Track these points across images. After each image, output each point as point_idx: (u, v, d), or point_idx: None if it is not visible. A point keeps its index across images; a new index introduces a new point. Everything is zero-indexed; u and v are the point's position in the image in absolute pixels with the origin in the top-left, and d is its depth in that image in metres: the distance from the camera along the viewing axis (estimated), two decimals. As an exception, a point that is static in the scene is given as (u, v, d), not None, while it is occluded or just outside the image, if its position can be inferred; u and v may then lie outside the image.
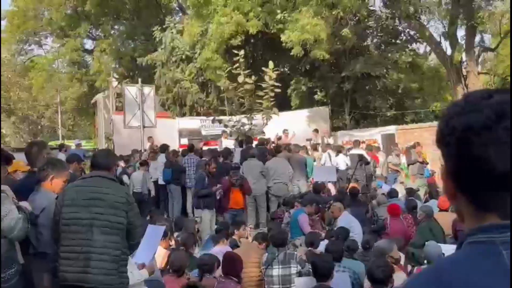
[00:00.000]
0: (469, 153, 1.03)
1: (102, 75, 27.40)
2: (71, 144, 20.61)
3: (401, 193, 11.36)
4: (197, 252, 7.22)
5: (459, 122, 1.05)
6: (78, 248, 3.81)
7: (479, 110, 1.04)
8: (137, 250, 5.10)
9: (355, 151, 14.64)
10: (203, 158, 12.39)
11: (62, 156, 12.12)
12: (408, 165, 14.95)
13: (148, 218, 10.91)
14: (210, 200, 10.14)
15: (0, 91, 31.86)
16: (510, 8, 15.97)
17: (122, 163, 13.63)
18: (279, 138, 16.54)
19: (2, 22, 31.78)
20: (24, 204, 4.06)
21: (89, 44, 34.09)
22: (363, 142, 17.27)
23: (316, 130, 18.01)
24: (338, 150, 15.20)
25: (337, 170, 13.84)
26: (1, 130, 41.68)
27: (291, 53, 18.23)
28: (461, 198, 1.09)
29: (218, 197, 10.15)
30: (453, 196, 1.11)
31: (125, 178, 12.39)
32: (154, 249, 5.10)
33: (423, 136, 17.97)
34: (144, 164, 12.81)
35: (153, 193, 12.91)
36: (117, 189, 4.08)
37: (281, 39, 19.06)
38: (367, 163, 12.87)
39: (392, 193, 10.66)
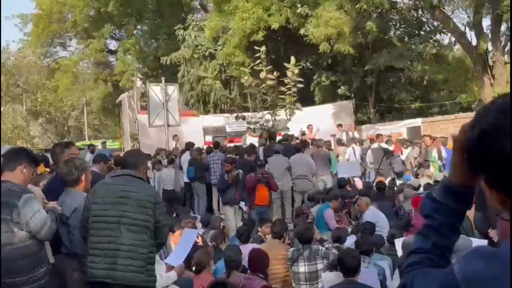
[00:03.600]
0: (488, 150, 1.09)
1: (126, 75, 27.65)
2: (98, 143, 20.93)
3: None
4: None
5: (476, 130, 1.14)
6: (106, 245, 3.86)
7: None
8: (172, 253, 5.17)
9: (375, 145, 14.60)
10: (228, 155, 12.45)
11: (89, 156, 12.33)
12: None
13: (174, 215, 11.03)
14: (230, 196, 10.17)
15: (0, 84, 32.57)
16: (510, 8, 15.64)
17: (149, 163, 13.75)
18: (303, 134, 16.51)
19: (28, 25, 32.40)
20: (53, 204, 4.14)
21: (112, 44, 34.46)
22: (390, 136, 17.13)
23: (340, 125, 17.93)
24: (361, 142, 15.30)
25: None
26: (29, 132, 42.48)
27: (319, 50, 18.20)
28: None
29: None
30: (504, 204, 1.14)
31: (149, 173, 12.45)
32: (186, 252, 5.15)
33: (449, 128, 17.74)
34: (172, 161, 12.89)
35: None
36: (145, 188, 4.15)
37: (301, 33, 19.02)
38: (392, 154, 12.80)
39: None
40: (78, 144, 22.11)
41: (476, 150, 1.12)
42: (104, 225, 3.91)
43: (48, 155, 8.02)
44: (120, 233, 3.87)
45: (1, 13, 31.19)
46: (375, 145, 14.86)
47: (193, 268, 5.54)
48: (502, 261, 1.09)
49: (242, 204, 10.21)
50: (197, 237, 6.88)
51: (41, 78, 40.32)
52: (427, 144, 14.71)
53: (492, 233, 6.50)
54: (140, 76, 27.59)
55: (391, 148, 14.49)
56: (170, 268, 4.97)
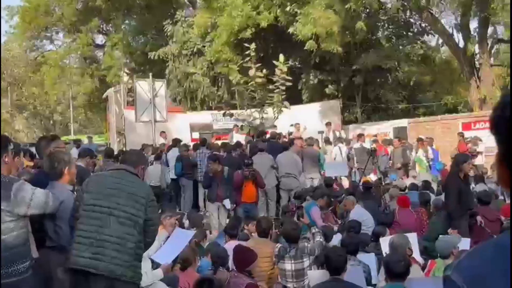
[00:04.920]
0: None
1: (113, 70, 27.49)
2: (84, 138, 20.79)
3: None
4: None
5: None
6: (94, 235, 3.83)
7: None
8: (160, 249, 5.15)
9: (357, 145, 14.71)
10: (214, 152, 12.42)
11: (75, 151, 12.23)
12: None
13: (160, 211, 10.96)
14: (213, 193, 10.14)
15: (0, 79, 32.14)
16: (509, 8, 15.80)
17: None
18: (290, 134, 16.53)
19: (14, 18, 32.07)
20: None
21: (100, 39, 34.25)
22: (375, 135, 17.23)
23: (329, 123, 17.99)
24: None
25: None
26: (14, 126, 42.04)
27: (305, 48, 18.22)
28: None
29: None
30: (507, 181, 1.14)
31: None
32: (177, 252, 5.13)
33: (434, 129, 17.91)
34: (159, 158, 12.83)
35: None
36: (141, 184, 4.16)
37: (290, 31, 19.05)
38: (375, 153, 12.90)
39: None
40: (63, 138, 21.93)
41: (502, 127, 1.12)
42: (94, 214, 3.90)
43: (33, 149, 7.94)
44: (110, 224, 3.85)
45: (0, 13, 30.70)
46: (357, 145, 14.98)
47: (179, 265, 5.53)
48: (496, 248, 1.10)
49: (226, 201, 10.16)
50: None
51: (27, 72, 39.92)
52: (395, 146, 14.88)
53: (453, 232, 6.57)
54: (127, 71, 27.44)
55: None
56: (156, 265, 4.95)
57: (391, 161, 14.97)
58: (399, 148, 14.70)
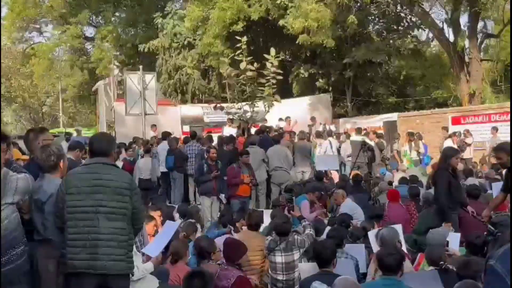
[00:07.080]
0: None
1: (103, 62, 27.31)
2: (73, 131, 20.68)
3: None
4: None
5: None
6: (85, 236, 3.81)
7: None
8: (150, 243, 5.14)
9: (355, 138, 14.72)
10: (204, 145, 12.39)
11: (65, 144, 12.15)
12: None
13: (150, 205, 10.93)
14: (208, 187, 10.13)
15: (0, 79, 31.82)
16: (510, 6, 15.89)
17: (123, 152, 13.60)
18: (281, 128, 16.52)
19: (2, 9, 31.72)
20: None
21: (90, 31, 33.99)
22: (365, 129, 17.27)
23: (313, 118, 18.01)
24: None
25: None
26: (2, 118, 41.68)
27: (297, 42, 18.20)
28: None
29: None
30: None
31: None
32: (164, 243, 5.12)
33: (424, 124, 17.99)
34: (149, 151, 12.80)
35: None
36: (120, 175, 4.07)
37: (280, 24, 19.02)
38: (370, 149, 12.91)
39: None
40: (52, 131, 21.78)
41: None
42: (81, 215, 3.85)
43: (21, 142, 7.86)
44: (98, 222, 3.82)
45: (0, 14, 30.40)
46: (354, 138, 14.97)
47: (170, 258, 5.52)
48: None
49: (222, 196, 10.17)
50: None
51: (15, 64, 39.56)
52: (371, 139, 14.95)
53: (447, 226, 6.61)
54: (117, 64, 27.26)
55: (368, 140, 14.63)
56: (146, 258, 4.94)
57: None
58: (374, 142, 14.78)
